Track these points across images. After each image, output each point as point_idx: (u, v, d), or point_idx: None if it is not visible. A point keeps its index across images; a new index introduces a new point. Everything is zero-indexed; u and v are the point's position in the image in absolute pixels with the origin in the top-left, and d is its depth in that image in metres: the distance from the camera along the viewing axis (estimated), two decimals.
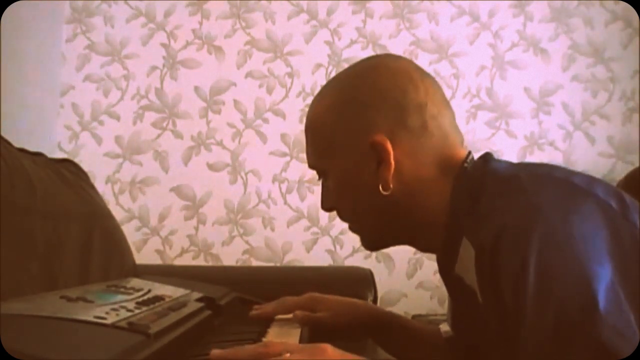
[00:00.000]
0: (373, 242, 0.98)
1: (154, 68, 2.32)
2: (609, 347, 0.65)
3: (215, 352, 0.71)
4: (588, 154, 2.32)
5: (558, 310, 0.68)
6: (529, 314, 0.69)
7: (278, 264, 2.23)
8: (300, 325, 1.04)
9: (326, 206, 0.98)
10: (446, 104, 0.92)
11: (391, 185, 0.87)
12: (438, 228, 0.87)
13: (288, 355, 0.68)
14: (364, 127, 0.88)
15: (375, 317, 1.11)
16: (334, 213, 0.98)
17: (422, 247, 0.96)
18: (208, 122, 2.30)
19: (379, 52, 2.29)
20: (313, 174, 1.00)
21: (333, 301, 1.10)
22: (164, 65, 2.32)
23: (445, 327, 1.09)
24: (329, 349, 0.71)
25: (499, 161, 0.88)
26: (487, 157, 0.89)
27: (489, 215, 0.77)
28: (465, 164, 0.87)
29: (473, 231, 0.79)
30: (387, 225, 0.92)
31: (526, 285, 0.69)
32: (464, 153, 0.90)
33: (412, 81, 0.90)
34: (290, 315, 1.06)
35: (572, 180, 0.80)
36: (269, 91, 2.31)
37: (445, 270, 0.90)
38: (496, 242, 0.73)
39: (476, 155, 0.90)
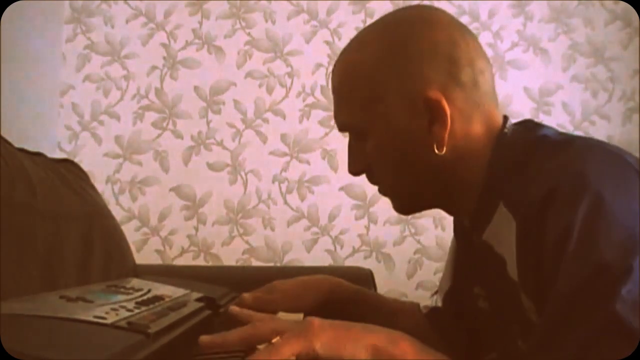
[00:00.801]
0: (408, 205, 0.93)
1: (154, 68, 2.32)
2: (626, 322, 0.64)
3: (204, 338, 0.71)
4: None
5: (590, 277, 0.67)
6: (562, 276, 0.68)
7: (278, 264, 2.23)
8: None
9: (357, 168, 0.91)
10: (489, 61, 0.89)
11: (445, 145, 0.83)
12: (473, 191, 0.85)
13: (277, 338, 0.67)
14: (416, 81, 0.82)
15: (337, 294, 1.08)
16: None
17: (454, 211, 0.93)
18: (208, 122, 2.30)
19: None
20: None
21: (287, 285, 1.08)
22: (164, 65, 2.32)
23: (433, 302, 1.08)
24: (316, 320, 0.70)
25: (548, 127, 0.86)
26: (530, 123, 0.87)
27: (537, 178, 0.75)
28: (505, 129, 0.85)
29: (515, 198, 0.78)
30: (427, 187, 0.88)
31: (567, 247, 0.68)
32: (501, 115, 0.88)
33: (462, 34, 0.85)
34: (292, 315, 1.05)
35: (624, 157, 0.78)
36: (269, 91, 2.31)
37: (470, 234, 0.88)
38: (544, 204, 0.71)
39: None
